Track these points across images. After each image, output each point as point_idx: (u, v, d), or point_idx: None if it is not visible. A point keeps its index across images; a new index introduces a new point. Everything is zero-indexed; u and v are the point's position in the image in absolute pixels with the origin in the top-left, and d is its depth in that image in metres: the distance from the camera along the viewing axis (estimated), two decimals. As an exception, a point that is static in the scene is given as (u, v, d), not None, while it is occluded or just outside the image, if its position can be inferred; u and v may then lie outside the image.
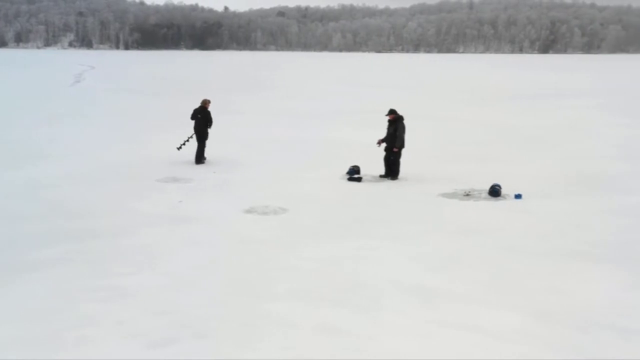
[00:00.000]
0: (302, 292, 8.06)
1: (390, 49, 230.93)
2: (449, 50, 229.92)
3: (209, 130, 17.34)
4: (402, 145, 15.10)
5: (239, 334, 6.90)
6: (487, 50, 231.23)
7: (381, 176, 15.39)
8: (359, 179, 15.07)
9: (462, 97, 39.91)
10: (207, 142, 17.30)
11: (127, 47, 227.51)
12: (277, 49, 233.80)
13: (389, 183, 14.98)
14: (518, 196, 13.40)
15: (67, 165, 16.68)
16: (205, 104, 17.41)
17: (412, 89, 48.38)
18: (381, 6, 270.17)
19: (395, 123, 15.09)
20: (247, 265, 9.12)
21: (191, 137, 17.45)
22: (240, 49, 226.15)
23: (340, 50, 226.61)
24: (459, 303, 7.73)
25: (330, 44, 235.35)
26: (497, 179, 14.45)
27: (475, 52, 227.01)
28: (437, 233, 10.86)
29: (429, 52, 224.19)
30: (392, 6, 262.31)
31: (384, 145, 15.45)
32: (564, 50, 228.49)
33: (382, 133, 15.80)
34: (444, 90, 46.70)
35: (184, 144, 17.68)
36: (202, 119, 17.15)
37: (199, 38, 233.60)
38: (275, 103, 35.33)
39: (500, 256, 9.60)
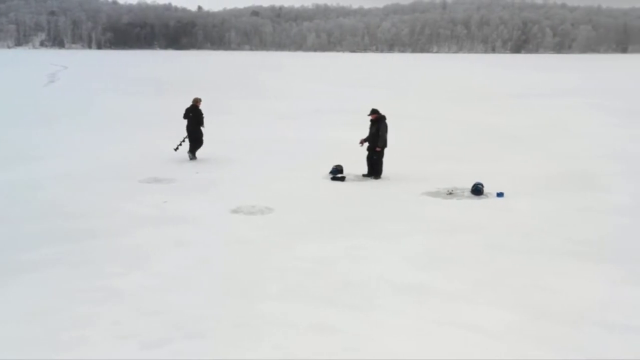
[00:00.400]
0: (295, 292, 8.11)
1: (364, 48, 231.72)
2: (423, 50, 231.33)
3: (202, 129, 17.57)
4: (384, 145, 15.20)
5: (234, 334, 6.93)
6: (460, 50, 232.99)
7: (364, 175, 15.48)
8: (342, 179, 15.14)
9: (447, 97, 40.18)
10: (204, 140, 17.73)
11: (99, 47, 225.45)
12: (251, 49, 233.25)
13: (372, 182, 15.06)
14: (500, 194, 13.57)
15: (52, 166, 16.55)
16: (196, 102, 17.63)
17: (396, 89, 48.56)
18: (355, 6, 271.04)
19: (378, 123, 15.19)
20: (238, 265, 9.14)
21: (186, 137, 17.45)
22: (215, 49, 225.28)
23: (315, 50, 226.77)
24: (452, 301, 7.83)
25: (304, 44, 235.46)
26: (479, 178, 14.62)
27: (448, 51, 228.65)
28: (423, 232, 10.95)
29: (403, 51, 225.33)
30: (366, 6, 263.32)
31: (366, 144, 15.52)
32: (535, 50, 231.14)
33: (365, 133, 15.88)
34: (428, 90, 46.95)
35: (180, 144, 17.60)
36: (193, 117, 17.32)
37: (173, 38, 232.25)
38: (259, 103, 35.30)
39: (487, 254, 9.72)
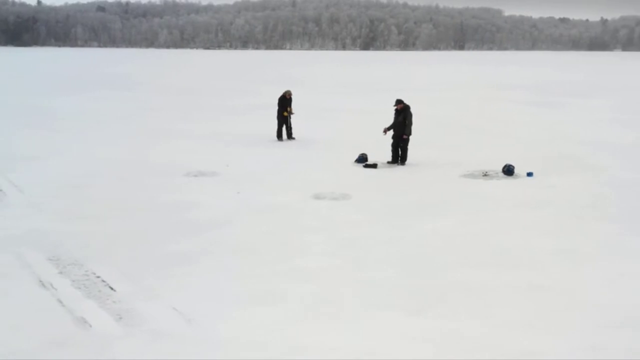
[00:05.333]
0: (475, 259, 9.09)
1: (218, 45, 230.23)
2: (276, 47, 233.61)
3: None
4: (410, 133, 16.25)
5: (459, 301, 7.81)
6: (312, 47, 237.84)
7: (389, 162, 16.44)
8: (374, 166, 16.02)
9: (357, 90, 41.65)
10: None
11: None
12: (99, 46, 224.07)
13: (403, 169, 16.09)
14: (530, 174, 15.08)
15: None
16: (286, 94, 20.22)
17: (309, 84, 49.37)
18: (204, 2, 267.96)
19: (404, 112, 16.21)
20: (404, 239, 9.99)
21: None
22: (60, 45, 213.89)
23: (168, 47, 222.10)
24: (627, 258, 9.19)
25: (156, 41, 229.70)
26: (484, 161, 16.21)
27: (301, 48, 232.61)
28: (506, 207, 12.21)
29: (257, 48, 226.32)
30: (215, 3, 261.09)
31: (390, 132, 16.50)
32: (383, 47, 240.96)
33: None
34: (336, 85, 48.21)
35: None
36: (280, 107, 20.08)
37: (13, 34, 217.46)
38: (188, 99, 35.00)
39: (590, 223, 11.15)
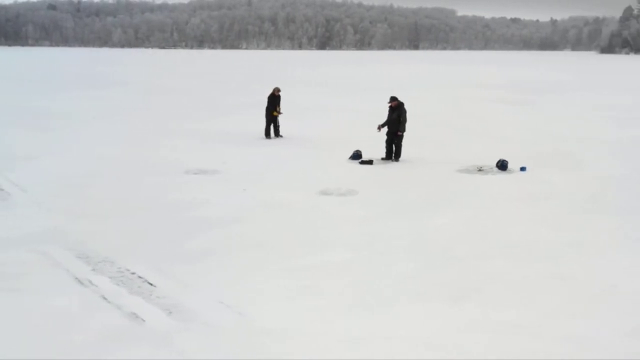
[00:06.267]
0: (483, 251, 9.36)
1: (173, 45, 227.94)
2: (233, 46, 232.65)
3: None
4: (404, 130, 16.51)
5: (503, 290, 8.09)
6: (268, 46, 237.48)
7: (383, 159, 16.67)
8: (370, 162, 16.23)
9: (332, 90, 41.85)
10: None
11: None
12: (51, 45, 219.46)
13: (398, 165, 16.34)
14: (523, 169, 15.48)
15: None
16: (275, 91, 20.28)
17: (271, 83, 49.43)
18: (158, 1, 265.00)
19: (398, 109, 16.46)
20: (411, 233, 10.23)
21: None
22: (10, 44, 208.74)
23: (122, 46, 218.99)
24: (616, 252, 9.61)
25: (110, 40, 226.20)
26: (477, 157, 16.59)
27: (257, 48, 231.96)
28: (507, 202, 12.53)
29: (213, 48, 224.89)
30: (170, 2, 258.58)
31: (384, 129, 16.74)
32: (339, 46, 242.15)
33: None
34: (305, 83, 48.20)
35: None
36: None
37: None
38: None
39: (591, 216, 11.53)
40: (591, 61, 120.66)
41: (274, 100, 20.12)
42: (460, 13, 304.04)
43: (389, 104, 16.73)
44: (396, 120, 16.47)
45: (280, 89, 20.63)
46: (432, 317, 7.16)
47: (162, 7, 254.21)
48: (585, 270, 8.71)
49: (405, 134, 16.64)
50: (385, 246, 9.71)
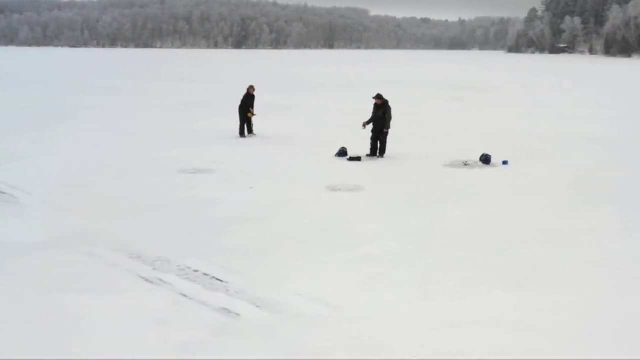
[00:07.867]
0: (510, 240, 9.95)
1: (85, 43, 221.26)
2: (146, 45, 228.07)
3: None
4: (390, 127, 16.97)
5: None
6: (184, 45, 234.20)
7: (368, 155, 17.07)
8: (358, 159, 16.59)
9: (287, 88, 41.74)
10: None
11: None
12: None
13: (384, 161, 16.72)
14: (505, 162, 16.21)
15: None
16: (250, 90, 20.37)
17: (233, 82, 48.97)
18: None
19: (384, 107, 16.91)
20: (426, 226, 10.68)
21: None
22: None
23: (30, 45, 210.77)
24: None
25: (17, 38, 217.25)
26: (459, 151, 17.29)
27: (172, 47, 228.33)
28: (505, 194, 13.16)
29: (126, 47, 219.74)
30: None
31: (369, 127, 17.16)
32: (255, 46, 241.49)
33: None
34: (266, 83, 48.06)
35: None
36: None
37: None
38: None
39: (588, 205, 12.27)
40: (509, 59, 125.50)
41: (248, 100, 20.16)
42: (373, 13, 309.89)
43: (375, 101, 17.13)
44: (381, 117, 16.90)
45: (255, 87, 20.70)
46: (508, 302, 7.53)
47: (70, 5, 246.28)
48: (618, 253, 9.31)
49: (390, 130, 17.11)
50: (419, 237, 10.00)
